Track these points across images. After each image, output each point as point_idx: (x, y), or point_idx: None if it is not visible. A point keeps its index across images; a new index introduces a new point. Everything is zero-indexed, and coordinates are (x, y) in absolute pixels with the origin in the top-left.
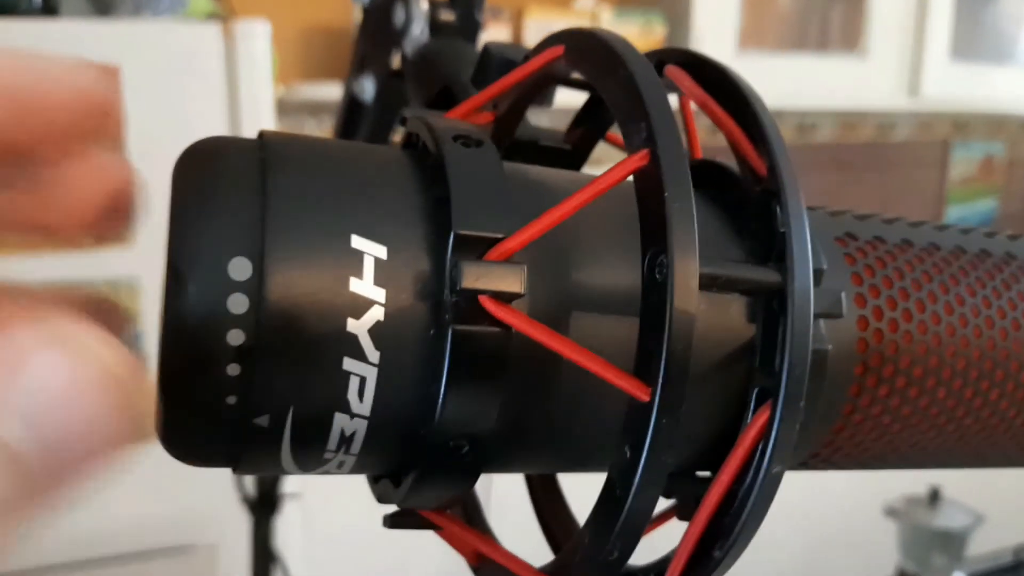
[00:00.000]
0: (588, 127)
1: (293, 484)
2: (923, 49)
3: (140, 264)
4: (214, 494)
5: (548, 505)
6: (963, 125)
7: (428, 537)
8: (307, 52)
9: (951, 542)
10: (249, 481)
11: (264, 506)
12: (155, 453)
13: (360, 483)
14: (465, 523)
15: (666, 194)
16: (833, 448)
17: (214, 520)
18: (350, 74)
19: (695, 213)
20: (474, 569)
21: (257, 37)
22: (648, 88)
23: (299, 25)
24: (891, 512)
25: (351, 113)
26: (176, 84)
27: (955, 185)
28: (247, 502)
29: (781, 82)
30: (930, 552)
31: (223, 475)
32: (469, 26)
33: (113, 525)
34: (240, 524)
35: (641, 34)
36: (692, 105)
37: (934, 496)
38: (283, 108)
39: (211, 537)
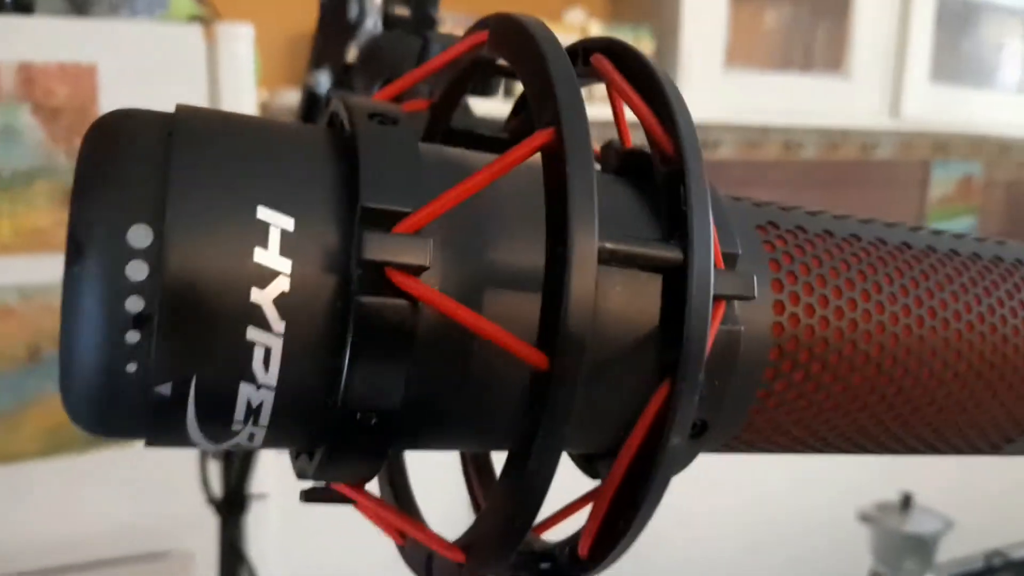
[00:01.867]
0: (526, 116)
1: (261, 485)
2: (904, 71)
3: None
4: (190, 500)
5: (481, 485)
6: (943, 145)
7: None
8: (293, 58)
9: (922, 547)
10: (216, 482)
11: (231, 506)
12: (131, 458)
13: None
14: (387, 501)
15: (567, 168)
16: (753, 431)
17: (190, 526)
18: (308, 68)
19: (595, 187)
20: (399, 548)
21: (240, 40)
22: (557, 68)
23: (286, 31)
24: (865, 518)
25: (309, 106)
26: (156, 85)
27: (934, 204)
28: (213, 503)
29: (767, 100)
30: (902, 557)
31: (198, 480)
32: (423, 21)
33: (88, 531)
34: (216, 530)
35: None
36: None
37: (906, 502)
38: (266, 112)
39: (187, 543)
